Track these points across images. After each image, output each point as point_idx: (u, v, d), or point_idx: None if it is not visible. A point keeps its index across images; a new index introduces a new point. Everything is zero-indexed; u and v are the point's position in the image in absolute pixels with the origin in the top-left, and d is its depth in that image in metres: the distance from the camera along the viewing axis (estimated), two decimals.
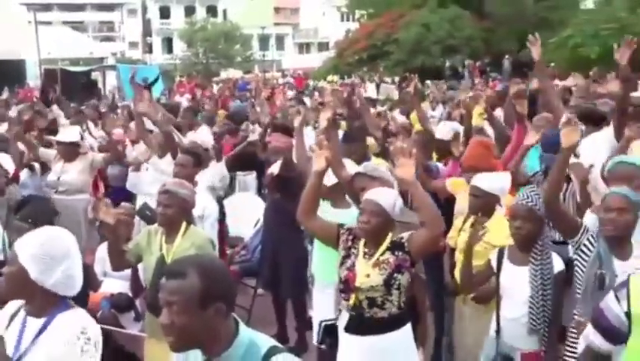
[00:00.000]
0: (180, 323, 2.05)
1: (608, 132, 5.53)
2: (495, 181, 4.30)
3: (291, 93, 19.62)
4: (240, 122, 9.31)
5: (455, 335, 4.50)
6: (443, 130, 6.17)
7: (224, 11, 63.06)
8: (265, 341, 2.16)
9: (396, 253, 3.60)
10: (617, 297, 2.53)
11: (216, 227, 5.35)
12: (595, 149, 5.31)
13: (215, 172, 6.26)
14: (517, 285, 3.69)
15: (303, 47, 66.21)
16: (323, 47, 60.13)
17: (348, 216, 4.21)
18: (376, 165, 4.78)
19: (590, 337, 2.55)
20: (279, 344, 2.21)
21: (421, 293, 4.17)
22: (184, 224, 4.03)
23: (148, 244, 4.06)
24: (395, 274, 3.56)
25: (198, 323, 2.05)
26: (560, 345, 3.81)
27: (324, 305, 4.39)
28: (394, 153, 3.53)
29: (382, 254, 3.61)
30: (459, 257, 4.17)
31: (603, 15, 25.11)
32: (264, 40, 57.49)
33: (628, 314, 2.46)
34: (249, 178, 8.65)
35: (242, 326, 2.16)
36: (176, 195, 3.98)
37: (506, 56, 27.41)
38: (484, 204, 4.22)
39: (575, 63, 22.17)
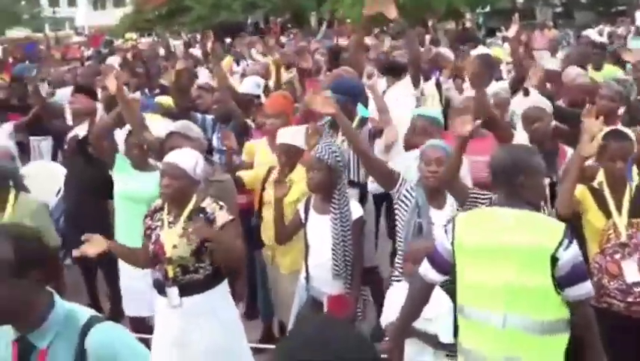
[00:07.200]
0: None
1: (407, 82, 6.10)
2: (296, 134, 4.42)
3: (88, 52, 18.39)
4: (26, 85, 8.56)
5: (270, 286, 4.65)
6: (247, 85, 6.25)
7: None
8: (84, 312, 2.10)
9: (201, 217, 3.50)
10: (445, 231, 2.90)
11: None
12: (398, 96, 5.89)
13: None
14: (321, 233, 3.88)
15: (98, 3, 62.32)
16: (120, 2, 57.03)
17: (153, 179, 4.04)
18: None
19: (426, 272, 2.91)
20: (99, 314, 2.16)
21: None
22: (12, 193, 3.99)
23: None
24: (205, 243, 3.50)
25: (11, 293, 1.93)
26: (364, 286, 4.09)
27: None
28: None
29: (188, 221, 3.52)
30: (270, 211, 4.18)
31: None
32: None
33: (452, 244, 2.83)
34: (44, 144, 8.03)
35: (57, 298, 2.06)
36: None
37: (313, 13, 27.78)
38: (291, 158, 4.33)
39: (369, 19, 23.28)
